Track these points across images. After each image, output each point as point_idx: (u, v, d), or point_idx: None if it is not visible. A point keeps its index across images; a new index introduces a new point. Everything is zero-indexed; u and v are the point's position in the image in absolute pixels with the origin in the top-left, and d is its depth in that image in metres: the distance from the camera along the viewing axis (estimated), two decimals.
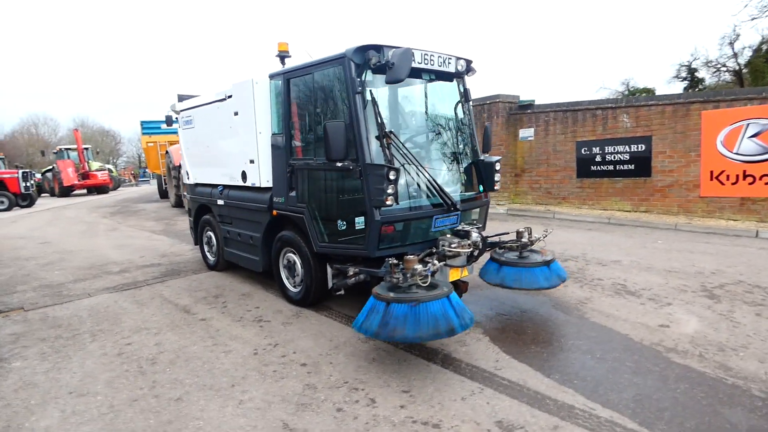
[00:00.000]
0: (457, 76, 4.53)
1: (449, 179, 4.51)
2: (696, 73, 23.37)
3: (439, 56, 4.15)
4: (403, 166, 3.90)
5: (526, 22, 79.62)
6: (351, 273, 4.09)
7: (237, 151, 5.38)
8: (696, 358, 3.48)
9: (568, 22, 67.41)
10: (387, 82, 3.67)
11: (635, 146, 9.11)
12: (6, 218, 17.15)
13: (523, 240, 4.46)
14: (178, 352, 3.92)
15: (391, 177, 3.61)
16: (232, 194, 5.73)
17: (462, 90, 4.66)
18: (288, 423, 2.84)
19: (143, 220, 13.57)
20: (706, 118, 8.18)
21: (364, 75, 3.75)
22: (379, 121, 3.78)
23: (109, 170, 33.12)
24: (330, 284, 4.40)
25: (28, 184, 24.26)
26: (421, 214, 4.03)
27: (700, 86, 22.48)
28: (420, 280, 3.33)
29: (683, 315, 4.30)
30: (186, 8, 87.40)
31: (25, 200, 23.24)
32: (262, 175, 5.02)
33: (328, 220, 4.23)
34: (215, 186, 6.09)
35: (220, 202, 5.93)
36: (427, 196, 4.12)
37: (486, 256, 4.55)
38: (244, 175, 5.32)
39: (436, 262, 3.52)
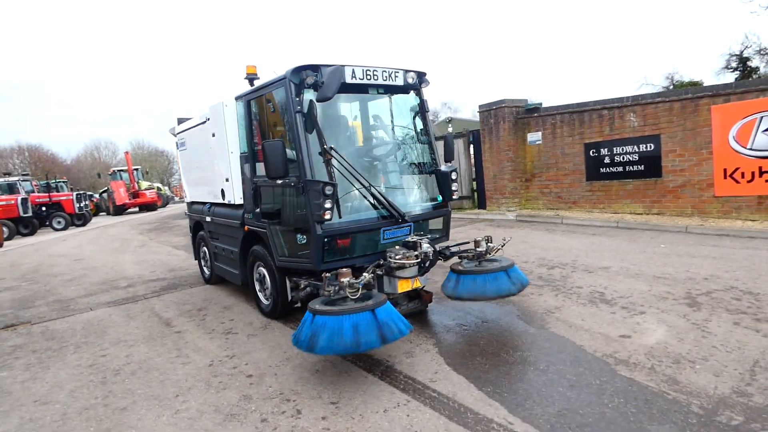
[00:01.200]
0: (411, 88, 4.57)
1: (403, 191, 4.54)
2: (748, 62, 21.93)
3: (384, 71, 4.21)
4: (349, 180, 3.98)
5: (559, 17, 77.51)
6: (302, 286, 4.20)
7: (216, 171, 5.65)
8: (645, 370, 3.32)
9: (606, 16, 65.13)
10: (317, 101, 3.78)
11: (644, 146, 8.70)
12: (59, 237, 18.61)
13: (479, 249, 4.40)
14: (141, 364, 4.15)
15: (327, 192, 3.70)
16: (216, 211, 6.01)
17: (419, 102, 4.70)
18: None
19: (172, 236, 14.31)
20: (716, 113, 7.69)
21: (302, 94, 3.88)
22: (322, 138, 3.89)
23: (158, 188, 35.34)
24: (289, 297, 4.53)
25: (82, 204, 26.36)
26: (366, 227, 4.08)
27: (754, 75, 21.05)
28: (349, 292, 3.39)
29: (651, 324, 4.10)
30: (239, 30, 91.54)
31: (80, 219, 25.23)
32: (236, 193, 5.25)
33: (287, 234, 4.37)
34: (205, 204, 6.40)
35: (208, 219, 6.23)
36: (375, 209, 4.17)
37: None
38: (222, 193, 5.58)
39: (366, 274, 3.55)
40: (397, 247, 4.17)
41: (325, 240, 3.88)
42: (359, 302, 3.33)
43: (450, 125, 21.45)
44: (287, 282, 4.49)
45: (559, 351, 3.74)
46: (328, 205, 3.71)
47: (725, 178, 7.68)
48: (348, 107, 4.56)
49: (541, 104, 10.58)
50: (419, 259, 4.03)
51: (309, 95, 3.93)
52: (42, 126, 72.04)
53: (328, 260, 3.97)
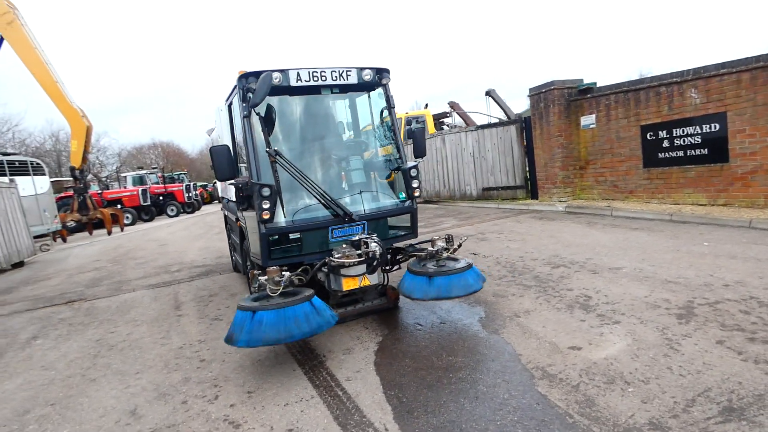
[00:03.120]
0: (371, 86, 4.52)
1: (363, 189, 4.54)
2: None
3: (333, 71, 4.23)
4: (299, 181, 4.11)
5: None
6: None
7: None
8: (567, 388, 3.02)
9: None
10: (249, 106, 3.94)
11: (707, 126, 7.45)
12: (166, 223, 21.37)
13: (432, 248, 4.27)
14: (132, 342, 4.77)
15: (264, 194, 3.88)
16: (229, 206, 6.54)
17: (384, 99, 4.63)
18: (136, 408, 3.37)
19: None
20: None
21: (249, 100, 4.07)
22: (267, 141, 4.06)
23: None
24: (250, 290, 4.84)
25: (191, 194, 29.89)
26: (312, 226, 4.18)
27: None
28: (269, 289, 3.56)
29: (616, 337, 3.66)
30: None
31: (190, 207, 28.69)
32: (233, 191, 5.68)
33: (253, 232, 4.65)
34: (222, 199, 6.99)
35: (224, 213, 6.80)
36: (328, 208, 4.25)
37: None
38: (228, 191, 6.07)
39: (286, 273, 3.67)
40: (344, 245, 4.23)
41: (270, 238, 4.08)
42: (283, 298, 3.49)
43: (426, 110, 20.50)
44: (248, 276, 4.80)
45: (492, 359, 3.54)
46: (266, 205, 3.89)
47: None
48: (306, 108, 4.64)
49: (595, 84, 9.56)
50: (362, 258, 4.06)
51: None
52: (174, 125, 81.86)
53: (276, 257, 4.17)
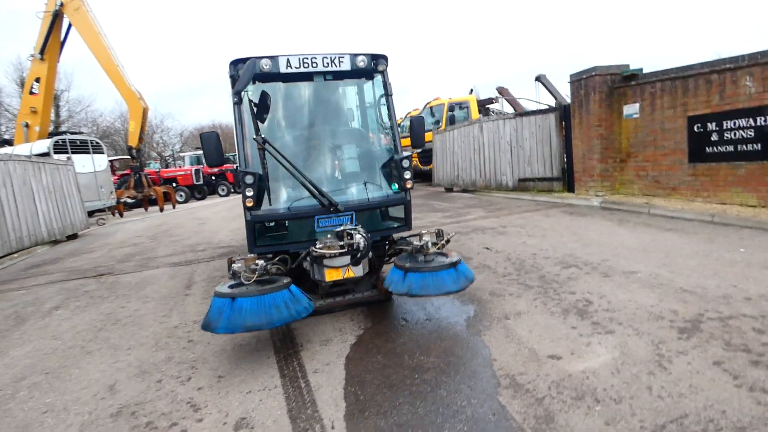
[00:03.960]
0: (366, 72, 4.38)
1: (354, 179, 4.45)
2: None
3: (324, 57, 4.13)
4: (287, 169, 4.09)
5: None
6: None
7: None
8: (531, 401, 2.84)
9: None
10: (234, 93, 3.92)
11: (762, 118, 6.64)
12: (214, 203, 22.35)
13: (417, 243, 4.12)
14: (136, 318, 5.01)
15: (248, 181, 3.89)
16: None
17: (382, 86, 4.48)
18: (115, 383, 3.53)
19: None
20: None
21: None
22: (257, 129, 4.06)
23: None
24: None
25: None
26: (297, 215, 4.15)
27: None
28: (243, 277, 3.59)
29: (604, 348, 3.39)
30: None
31: (239, 187, 29.89)
32: None
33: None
34: None
35: None
36: (315, 197, 4.20)
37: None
38: None
39: (259, 261, 3.67)
40: (329, 236, 4.18)
41: (255, 225, 4.11)
42: (259, 286, 3.52)
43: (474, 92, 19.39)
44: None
45: (464, 362, 3.39)
46: (249, 192, 3.90)
47: None
48: (301, 95, 4.58)
49: (641, 70, 8.79)
50: (344, 250, 3.99)
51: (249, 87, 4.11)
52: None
53: (261, 244, 4.20)
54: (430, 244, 4.13)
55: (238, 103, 4.09)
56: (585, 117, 9.71)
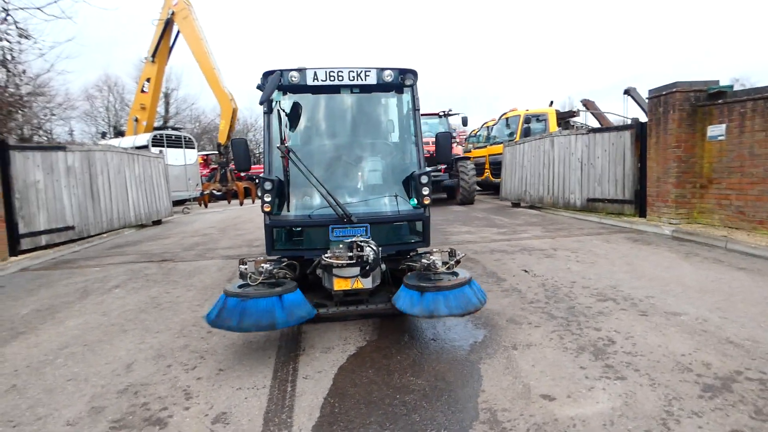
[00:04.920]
0: (393, 87, 4.39)
1: (374, 191, 4.47)
2: None
3: (350, 71, 4.21)
4: (307, 177, 4.23)
5: None
6: None
7: None
8: None
9: None
10: (259, 103, 4.12)
11: None
12: None
13: (425, 261, 4.04)
14: (175, 305, 5.44)
15: (267, 188, 4.08)
16: None
17: (408, 100, 4.47)
18: (133, 363, 3.88)
19: None
20: None
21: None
22: (283, 137, 4.26)
23: None
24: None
25: None
26: (313, 223, 4.27)
27: None
28: (250, 278, 3.78)
29: (605, 395, 3.09)
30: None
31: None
32: None
33: None
34: None
35: None
36: (331, 207, 4.29)
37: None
38: None
39: (265, 265, 3.81)
40: (340, 245, 4.25)
41: (273, 230, 4.29)
42: (265, 288, 3.70)
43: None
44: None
45: (451, 389, 3.27)
46: (267, 198, 4.10)
47: None
48: (329, 107, 4.69)
49: (730, 87, 7.81)
50: (353, 261, 4.04)
51: (277, 97, 4.33)
52: None
53: (279, 248, 4.38)
54: (439, 264, 4.05)
55: (267, 112, 4.31)
56: (662, 136, 8.85)
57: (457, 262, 4.07)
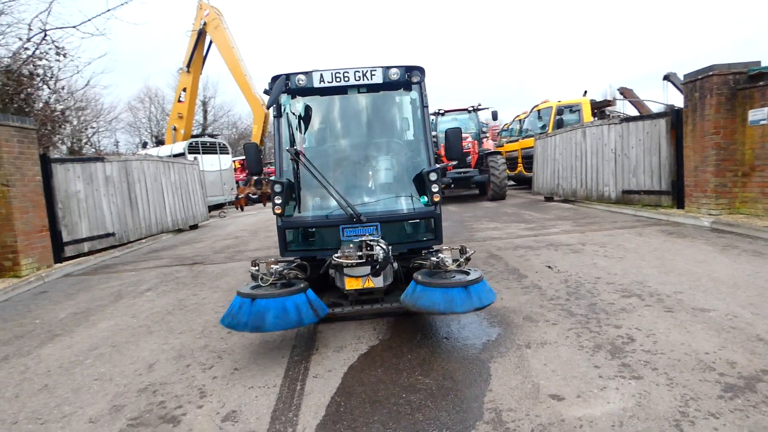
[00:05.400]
0: (400, 85, 4.38)
1: (384, 190, 4.47)
2: None
3: (356, 71, 4.23)
4: (317, 178, 4.29)
5: None
6: None
7: None
8: None
9: None
10: (266, 107, 4.19)
11: None
12: None
13: (434, 259, 4.00)
14: (200, 306, 5.64)
15: (277, 189, 4.16)
16: None
17: (416, 98, 4.45)
18: (155, 363, 4.06)
19: None
20: None
21: (279, 100, 4.37)
22: (293, 140, 4.33)
23: None
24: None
25: None
26: (324, 223, 4.31)
27: None
28: (261, 279, 3.87)
29: (618, 395, 2.97)
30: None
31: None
32: None
33: None
34: None
35: None
36: (341, 207, 4.33)
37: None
38: None
39: (275, 266, 3.88)
40: (350, 245, 4.28)
41: (285, 231, 4.38)
42: (277, 289, 3.79)
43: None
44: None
45: (458, 389, 3.23)
46: (277, 200, 4.18)
47: None
48: (337, 107, 4.71)
49: None
50: (363, 260, 4.06)
51: (283, 100, 4.40)
52: None
53: (292, 249, 4.46)
54: (449, 261, 4.01)
55: (277, 116, 4.40)
56: (699, 123, 8.38)
57: (467, 259, 4.01)
